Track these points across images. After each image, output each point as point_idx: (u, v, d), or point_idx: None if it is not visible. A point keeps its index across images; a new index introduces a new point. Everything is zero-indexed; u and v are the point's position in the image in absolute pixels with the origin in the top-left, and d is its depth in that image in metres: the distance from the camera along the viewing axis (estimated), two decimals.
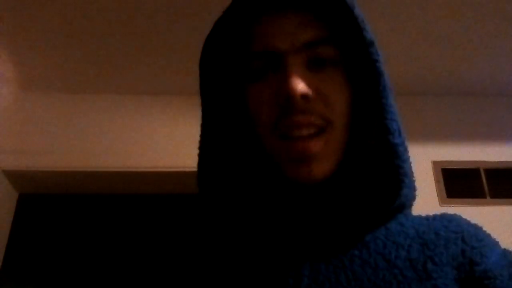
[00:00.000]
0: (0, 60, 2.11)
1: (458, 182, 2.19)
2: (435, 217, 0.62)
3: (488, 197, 2.15)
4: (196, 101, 2.26)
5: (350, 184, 0.56)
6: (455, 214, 0.63)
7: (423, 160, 2.24)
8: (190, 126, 2.31)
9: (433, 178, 2.19)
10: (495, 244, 0.59)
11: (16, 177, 2.18)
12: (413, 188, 0.59)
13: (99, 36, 1.98)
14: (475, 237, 0.57)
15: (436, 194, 2.15)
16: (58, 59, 2.12)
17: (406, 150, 0.58)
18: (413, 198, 0.61)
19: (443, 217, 0.61)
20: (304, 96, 0.50)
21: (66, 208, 2.31)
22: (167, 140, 2.25)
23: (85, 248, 2.21)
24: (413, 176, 0.58)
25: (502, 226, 2.09)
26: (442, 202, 2.13)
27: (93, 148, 2.21)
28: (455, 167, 2.23)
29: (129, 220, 2.28)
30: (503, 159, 2.24)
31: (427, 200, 2.14)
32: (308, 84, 0.50)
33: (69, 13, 1.86)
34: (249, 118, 0.55)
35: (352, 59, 0.56)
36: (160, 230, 2.26)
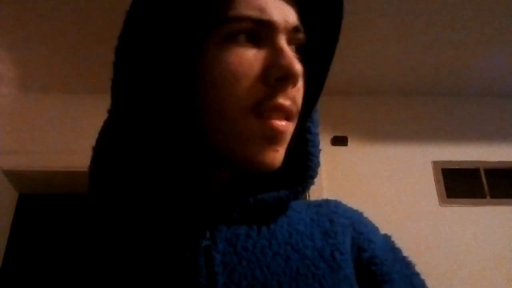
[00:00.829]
0: (0, 60, 2.11)
1: (458, 182, 2.19)
2: (320, 203, 0.60)
3: (488, 197, 2.15)
4: None
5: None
6: (335, 200, 0.63)
7: (423, 160, 2.24)
8: None
9: (433, 178, 2.19)
10: (377, 228, 0.60)
11: (16, 177, 2.18)
12: (313, 175, 0.57)
13: (99, 36, 1.98)
14: (362, 223, 0.58)
15: (436, 194, 2.15)
16: (58, 59, 2.12)
17: (318, 139, 0.59)
18: (310, 184, 0.57)
19: (328, 202, 0.61)
20: (298, 74, 0.46)
21: (66, 208, 2.31)
22: None
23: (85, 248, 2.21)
24: (318, 164, 0.58)
25: (502, 226, 2.09)
26: (442, 202, 2.13)
27: None
28: (455, 167, 2.23)
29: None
30: (503, 159, 2.25)
31: (427, 200, 2.14)
32: (299, 66, 0.46)
33: (69, 13, 1.86)
34: (206, 88, 0.45)
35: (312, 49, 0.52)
36: None
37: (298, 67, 0.46)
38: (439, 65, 2.20)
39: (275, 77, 0.45)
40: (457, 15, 1.89)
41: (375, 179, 2.18)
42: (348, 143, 2.27)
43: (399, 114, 2.37)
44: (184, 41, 0.45)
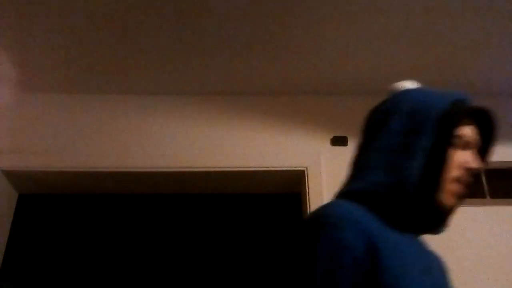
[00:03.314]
0: (0, 60, 2.11)
1: None
2: None
3: (488, 197, 2.15)
4: (196, 102, 2.27)
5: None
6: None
7: None
8: (190, 126, 2.31)
9: None
10: None
11: (16, 177, 2.18)
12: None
13: (99, 36, 1.98)
14: None
15: None
16: (58, 59, 2.12)
17: None
18: None
19: None
20: (478, 169, 0.95)
21: (66, 208, 2.31)
22: (167, 140, 2.25)
23: (85, 248, 2.21)
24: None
25: (502, 226, 2.09)
26: None
27: (93, 148, 2.21)
28: None
29: (129, 220, 2.28)
30: (503, 159, 2.24)
31: None
32: (480, 165, 0.95)
33: (69, 13, 1.86)
34: (440, 164, 0.91)
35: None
36: (160, 230, 2.26)
37: (478, 165, 0.95)
38: (439, 65, 2.20)
39: (468, 167, 0.95)
40: (457, 15, 1.89)
41: None
42: (348, 143, 2.27)
43: None
44: (442, 143, 0.93)
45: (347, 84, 2.33)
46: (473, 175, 0.94)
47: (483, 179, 2.20)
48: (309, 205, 2.09)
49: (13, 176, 2.17)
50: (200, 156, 2.20)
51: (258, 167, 2.19)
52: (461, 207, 2.26)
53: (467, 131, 0.95)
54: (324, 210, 0.84)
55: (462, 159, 0.93)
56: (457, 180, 0.93)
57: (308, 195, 2.12)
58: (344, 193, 0.95)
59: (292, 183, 2.27)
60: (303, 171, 2.18)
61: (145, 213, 2.32)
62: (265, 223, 2.30)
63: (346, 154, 2.23)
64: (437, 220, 0.98)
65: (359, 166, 0.99)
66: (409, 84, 1.08)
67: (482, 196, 2.16)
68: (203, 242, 2.25)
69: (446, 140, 0.92)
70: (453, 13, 1.88)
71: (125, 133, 2.26)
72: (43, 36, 1.98)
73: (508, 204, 2.14)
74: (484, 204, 2.13)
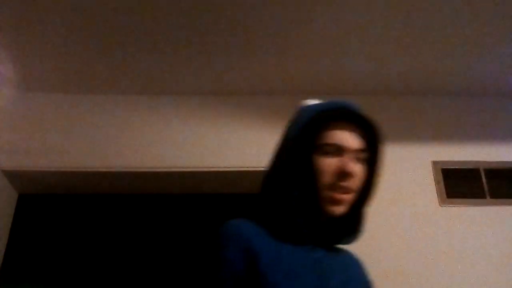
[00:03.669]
0: (0, 60, 2.11)
1: (458, 182, 2.19)
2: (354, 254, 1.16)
3: (488, 197, 2.15)
4: (196, 102, 2.27)
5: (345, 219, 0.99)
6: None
7: (423, 160, 2.24)
8: (190, 126, 2.31)
9: (433, 178, 2.19)
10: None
11: (16, 177, 2.18)
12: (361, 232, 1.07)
13: (99, 36, 1.98)
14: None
15: (436, 194, 2.15)
16: (58, 59, 2.12)
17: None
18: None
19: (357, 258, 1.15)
20: (351, 174, 0.91)
21: (66, 208, 2.31)
22: (167, 140, 2.25)
23: (85, 248, 2.21)
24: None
25: (502, 226, 2.09)
26: (442, 202, 2.13)
27: (93, 148, 2.21)
28: (455, 167, 2.23)
29: (129, 220, 2.28)
30: (503, 159, 2.25)
31: (427, 200, 2.14)
32: (354, 169, 0.92)
33: (69, 14, 1.86)
34: (312, 175, 0.93)
35: (372, 159, 0.98)
36: (160, 230, 2.26)
37: (352, 169, 0.91)
38: (439, 65, 2.20)
39: (340, 172, 0.92)
40: (457, 16, 1.89)
41: None
42: None
43: (399, 114, 2.37)
44: (308, 153, 0.94)
45: (347, 84, 2.33)
46: (349, 179, 0.91)
47: (483, 179, 2.20)
48: None
49: (13, 176, 2.17)
50: (200, 156, 2.20)
51: (259, 167, 2.18)
52: (461, 207, 2.28)
53: (337, 137, 0.93)
54: (219, 230, 0.94)
55: (333, 165, 0.92)
56: (331, 187, 0.92)
57: None
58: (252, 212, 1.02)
59: None
60: None
61: (145, 213, 2.32)
62: None
63: None
64: (330, 228, 0.99)
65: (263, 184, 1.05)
66: (311, 101, 1.08)
67: (482, 196, 2.16)
68: (202, 241, 2.25)
69: (310, 149, 0.93)
70: (453, 14, 1.88)
71: (125, 133, 2.26)
72: (43, 36, 1.98)
73: (508, 204, 2.14)
74: (484, 204, 2.13)
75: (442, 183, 2.18)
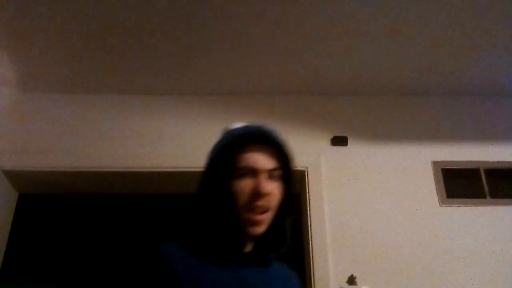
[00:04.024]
0: (0, 60, 2.11)
1: (458, 182, 2.19)
2: (286, 267, 1.16)
3: (488, 197, 2.15)
4: (196, 102, 2.27)
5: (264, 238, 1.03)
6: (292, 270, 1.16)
7: (423, 160, 2.24)
8: (190, 126, 2.31)
9: (433, 178, 2.19)
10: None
11: (16, 177, 2.18)
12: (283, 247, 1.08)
13: (99, 36, 1.98)
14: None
15: (436, 194, 2.15)
16: (58, 59, 2.12)
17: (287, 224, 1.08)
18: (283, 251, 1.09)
19: (291, 270, 1.16)
20: (266, 194, 0.97)
21: (66, 208, 2.31)
22: (167, 140, 2.25)
23: (85, 247, 2.21)
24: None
25: (502, 226, 2.09)
26: (442, 202, 2.13)
27: (93, 148, 2.21)
28: (455, 167, 2.23)
29: (129, 220, 2.28)
30: (503, 159, 2.25)
31: (427, 200, 2.14)
32: (269, 188, 0.98)
33: (69, 14, 1.86)
34: (231, 198, 0.97)
35: (286, 176, 1.05)
36: (160, 230, 2.26)
37: (264, 190, 0.97)
38: (439, 65, 2.20)
39: (255, 192, 0.97)
40: (457, 15, 1.89)
41: (375, 179, 2.18)
42: (348, 143, 2.27)
43: (399, 114, 2.37)
44: (225, 177, 0.99)
45: (347, 84, 2.33)
46: (264, 199, 0.96)
47: (483, 179, 2.20)
48: (309, 205, 2.09)
49: (13, 176, 2.17)
50: (199, 156, 2.19)
51: None
52: (461, 207, 2.28)
53: (250, 159, 0.99)
54: (147, 253, 0.99)
55: (248, 187, 0.97)
56: (248, 208, 0.96)
57: (308, 195, 2.12)
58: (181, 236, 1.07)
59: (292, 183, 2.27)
60: (303, 171, 2.18)
61: (145, 213, 2.32)
62: None
63: (346, 154, 2.24)
64: (254, 246, 1.04)
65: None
66: (234, 124, 1.14)
67: (482, 196, 2.16)
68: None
69: (228, 173, 0.99)
70: (453, 14, 1.88)
71: (125, 133, 2.26)
72: (43, 36, 1.98)
73: (508, 204, 2.14)
74: (484, 204, 2.13)
75: (442, 183, 2.18)
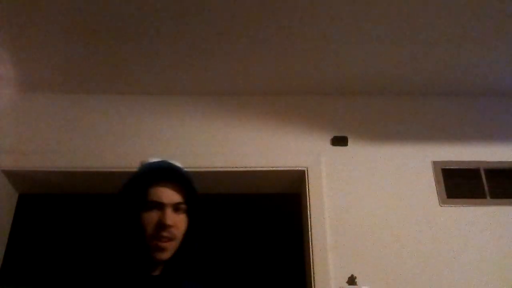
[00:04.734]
0: (0, 60, 2.11)
1: (458, 182, 2.19)
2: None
3: (488, 197, 2.15)
4: (196, 102, 2.27)
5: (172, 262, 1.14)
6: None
7: (423, 160, 2.24)
8: (190, 126, 2.31)
9: (433, 178, 2.19)
10: None
11: (16, 177, 2.18)
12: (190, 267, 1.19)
13: (99, 36, 1.98)
14: None
15: (436, 194, 2.15)
16: (58, 59, 2.12)
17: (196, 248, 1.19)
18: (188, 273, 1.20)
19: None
20: (170, 226, 1.08)
21: (66, 208, 2.31)
22: (167, 140, 2.25)
23: (85, 248, 2.20)
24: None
25: (502, 226, 2.09)
26: (442, 202, 2.13)
27: (93, 148, 2.21)
28: (455, 167, 2.23)
29: None
30: (503, 159, 2.25)
31: (427, 200, 2.14)
32: (173, 220, 1.10)
33: (69, 14, 1.86)
34: (140, 228, 1.08)
35: (191, 209, 1.17)
36: None
37: (168, 222, 1.08)
38: (439, 65, 2.20)
39: (160, 224, 1.09)
40: (457, 15, 1.89)
41: (375, 179, 2.18)
42: (348, 143, 2.27)
43: (399, 114, 2.37)
44: (135, 209, 1.11)
45: (347, 84, 2.33)
46: (169, 230, 1.08)
47: (483, 179, 2.20)
48: (309, 205, 2.09)
49: (13, 176, 2.17)
50: (199, 156, 2.20)
51: (258, 167, 2.19)
52: (461, 207, 2.28)
53: (158, 194, 1.11)
54: None
55: (155, 219, 1.09)
56: (155, 237, 1.08)
57: (308, 195, 2.12)
58: None
59: (292, 183, 2.27)
60: (303, 171, 2.18)
61: None
62: (265, 223, 2.30)
63: (346, 154, 2.24)
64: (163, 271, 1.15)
65: None
66: (150, 159, 1.27)
67: (482, 196, 2.16)
68: (202, 242, 2.25)
69: (138, 206, 1.10)
70: (453, 13, 1.88)
71: (125, 133, 2.26)
72: (43, 36, 1.98)
73: (508, 204, 2.14)
74: (484, 204, 2.13)
75: (442, 183, 2.18)
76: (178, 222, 1.11)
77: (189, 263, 1.18)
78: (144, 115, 2.32)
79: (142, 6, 1.83)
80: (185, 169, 1.21)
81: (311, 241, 2.02)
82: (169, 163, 1.23)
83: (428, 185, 2.17)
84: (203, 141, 2.26)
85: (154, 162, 1.24)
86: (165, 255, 1.09)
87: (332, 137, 2.28)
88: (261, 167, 2.19)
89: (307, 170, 2.17)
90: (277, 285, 2.16)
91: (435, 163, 2.23)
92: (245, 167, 2.18)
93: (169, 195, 1.12)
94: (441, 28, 1.96)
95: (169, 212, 1.10)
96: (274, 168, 2.19)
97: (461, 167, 2.23)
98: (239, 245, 2.24)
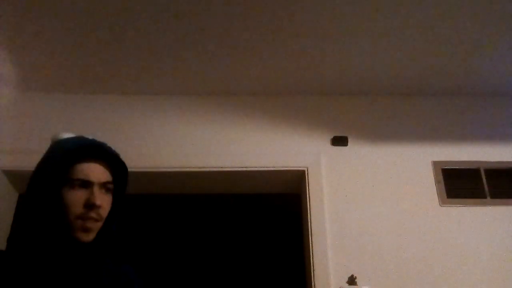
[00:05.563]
0: (0, 60, 2.11)
1: (458, 182, 2.19)
2: (120, 263, 1.17)
3: (488, 197, 2.15)
4: (196, 102, 2.28)
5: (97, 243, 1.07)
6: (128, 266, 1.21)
7: (423, 160, 2.24)
8: (190, 126, 2.31)
9: (433, 178, 2.19)
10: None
11: (16, 177, 2.18)
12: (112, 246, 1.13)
13: (99, 36, 1.98)
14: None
15: (436, 194, 2.15)
16: (58, 59, 2.12)
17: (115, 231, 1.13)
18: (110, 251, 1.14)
19: (124, 266, 1.19)
20: (98, 206, 1.02)
21: None
22: (166, 140, 2.25)
23: None
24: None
25: (502, 226, 2.09)
26: (442, 202, 2.13)
27: None
28: (455, 167, 2.23)
29: (128, 220, 2.28)
30: (503, 159, 2.25)
31: (427, 200, 2.14)
32: (101, 200, 1.03)
33: (69, 14, 1.86)
34: (61, 208, 1.01)
35: (117, 189, 1.12)
36: (159, 230, 2.26)
37: (97, 202, 1.01)
38: (439, 65, 2.20)
39: (88, 204, 1.01)
40: (457, 15, 1.89)
41: (375, 179, 2.18)
42: (348, 143, 2.27)
43: (399, 114, 2.37)
44: (56, 186, 1.02)
45: (347, 84, 2.33)
46: (97, 210, 1.01)
47: (483, 179, 2.20)
48: (309, 205, 2.09)
49: (13, 176, 2.17)
50: (199, 156, 2.20)
51: (258, 167, 2.19)
52: (461, 207, 2.28)
53: (85, 172, 1.04)
54: None
55: (82, 198, 1.02)
56: (81, 216, 1.01)
57: (308, 195, 2.12)
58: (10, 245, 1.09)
59: (292, 183, 2.27)
60: (303, 171, 2.18)
61: (144, 213, 2.31)
62: (265, 223, 2.30)
63: (346, 154, 2.24)
64: (81, 252, 1.07)
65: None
66: (64, 135, 1.21)
67: (482, 196, 2.16)
68: (203, 241, 2.25)
69: (60, 183, 1.02)
70: (453, 14, 1.88)
71: (125, 133, 2.26)
72: (43, 36, 1.98)
73: (508, 204, 2.14)
74: (484, 204, 2.13)
75: (442, 183, 2.18)
76: (105, 202, 1.04)
77: (111, 246, 1.11)
78: (144, 115, 2.32)
79: (142, 6, 1.83)
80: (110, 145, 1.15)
81: (311, 241, 2.02)
82: (93, 139, 1.17)
83: (428, 185, 2.17)
84: (203, 141, 2.26)
85: (76, 137, 1.18)
86: (89, 237, 1.02)
87: (332, 137, 2.28)
88: (261, 167, 2.19)
89: (307, 170, 2.17)
90: (277, 284, 2.16)
91: (435, 163, 2.23)
92: (245, 167, 2.18)
93: (98, 173, 1.05)
94: (441, 28, 1.96)
95: (97, 192, 1.03)
96: (274, 168, 2.19)
97: (461, 167, 2.23)
98: (239, 245, 2.24)
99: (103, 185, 1.05)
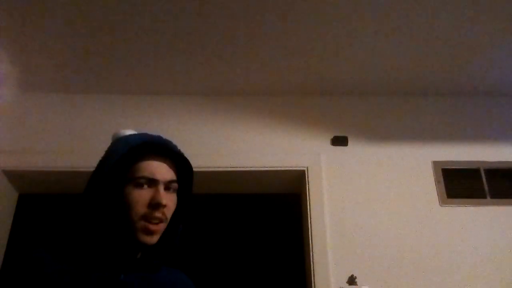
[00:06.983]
0: (0, 60, 2.11)
1: (458, 182, 2.19)
2: (176, 271, 1.13)
3: (488, 197, 2.15)
4: (196, 102, 2.28)
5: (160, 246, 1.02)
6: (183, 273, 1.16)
7: (423, 160, 2.24)
8: (190, 126, 2.31)
9: (433, 178, 2.19)
10: None
11: (16, 177, 2.18)
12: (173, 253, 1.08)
13: (99, 36, 1.98)
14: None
15: (436, 194, 2.15)
16: (58, 59, 2.12)
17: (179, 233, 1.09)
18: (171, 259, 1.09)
19: (181, 273, 1.15)
20: (164, 205, 0.96)
21: (66, 208, 2.30)
22: None
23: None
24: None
25: (502, 226, 2.09)
26: (442, 202, 2.13)
27: (93, 148, 2.21)
28: (455, 167, 2.23)
29: None
30: (503, 159, 2.25)
31: (427, 200, 2.14)
32: (166, 199, 0.97)
33: (69, 14, 1.86)
34: (124, 205, 0.96)
35: (182, 189, 1.06)
36: None
37: (163, 201, 0.95)
38: (439, 65, 2.20)
39: (152, 203, 0.95)
40: (457, 15, 1.89)
41: (375, 179, 2.18)
42: (348, 143, 2.27)
43: (399, 114, 2.37)
44: (119, 185, 0.98)
45: (347, 84, 2.33)
46: (162, 210, 0.95)
47: (483, 179, 2.20)
48: (309, 205, 2.09)
49: (13, 176, 2.17)
50: (200, 156, 2.20)
51: (258, 167, 2.19)
52: (461, 207, 2.28)
53: (149, 170, 0.98)
54: (17, 258, 0.96)
55: (146, 197, 0.96)
56: (145, 217, 0.94)
57: (308, 195, 2.12)
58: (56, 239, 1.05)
59: (292, 183, 2.27)
60: (303, 171, 2.18)
61: None
62: (265, 223, 2.30)
63: (346, 154, 2.24)
64: (142, 256, 1.02)
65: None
66: (126, 132, 1.16)
67: (482, 196, 2.16)
68: (202, 241, 2.25)
69: (123, 181, 0.97)
70: (453, 13, 1.88)
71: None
72: (43, 36, 1.98)
73: (508, 204, 2.14)
74: (484, 204, 2.14)
75: (442, 183, 2.18)
76: (170, 202, 0.98)
77: (173, 248, 1.05)
78: (143, 115, 2.32)
79: (142, 6, 1.83)
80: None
81: (311, 241, 2.02)
82: (159, 135, 1.11)
83: (428, 185, 2.17)
84: (203, 141, 2.26)
85: (139, 133, 1.12)
86: (153, 239, 0.95)
87: (332, 137, 2.28)
88: (261, 167, 2.19)
89: (307, 170, 2.17)
90: (277, 285, 2.16)
91: (435, 163, 2.23)
92: (245, 167, 2.18)
93: (163, 171, 0.99)
94: (441, 28, 1.96)
95: (162, 190, 0.96)
96: (274, 168, 2.19)
97: (461, 167, 2.23)
98: (239, 245, 2.24)
99: (168, 184, 0.99)
